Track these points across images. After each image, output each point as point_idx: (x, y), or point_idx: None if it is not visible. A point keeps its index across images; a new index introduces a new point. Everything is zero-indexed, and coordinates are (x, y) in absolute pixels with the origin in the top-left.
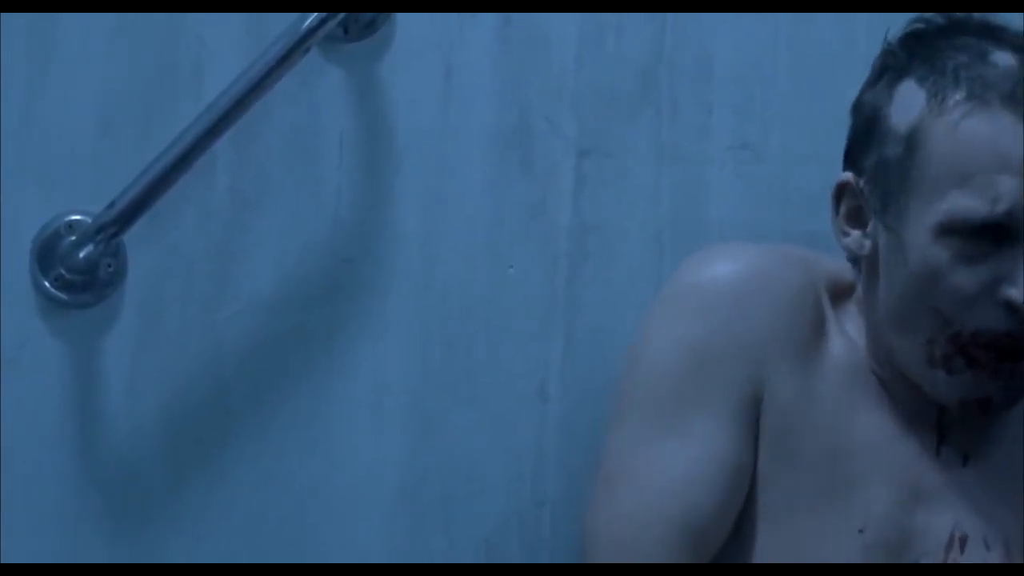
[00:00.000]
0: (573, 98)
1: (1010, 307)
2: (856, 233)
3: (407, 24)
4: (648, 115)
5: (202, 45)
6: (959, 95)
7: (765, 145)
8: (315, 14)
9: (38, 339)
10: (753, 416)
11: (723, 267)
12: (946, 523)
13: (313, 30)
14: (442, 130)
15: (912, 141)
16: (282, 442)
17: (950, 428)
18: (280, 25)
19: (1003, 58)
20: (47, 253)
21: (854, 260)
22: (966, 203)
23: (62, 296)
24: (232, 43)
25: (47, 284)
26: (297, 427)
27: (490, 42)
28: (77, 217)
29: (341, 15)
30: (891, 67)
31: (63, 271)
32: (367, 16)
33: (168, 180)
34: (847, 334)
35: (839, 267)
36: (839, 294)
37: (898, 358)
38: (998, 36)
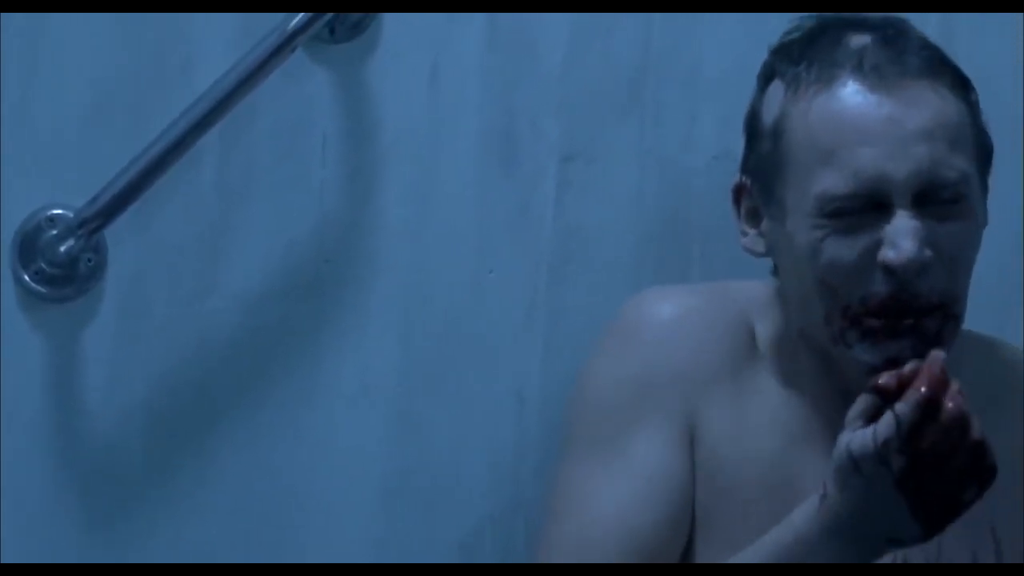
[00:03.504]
0: (559, 102)
1: (888, 269)
2: (753, 232)
3: (393, 26)
4: (633, 121)
5: (191, 41)
6: (811, 78)
7: None
8: (302, 13)
9: (18, 332)
10: (690, 444)
11: (658, 307)
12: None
13: (299, 30)
14: (427, 132)
15: (776, 132)
16: (264, 438)
17: None
18: (269, 22)
19: (857, 39)
20: (28, 246)
21: (774, 269)
22: (830, 181)
23: (42, 290)
24: (221, 40)
25: (27, 277)
26: (279, 423)
27: (477, 45)
28: (58, 211)
29: (328, 15)
30: (763, 74)
31: (43, 265)
32: (353, 17)
33: (151, 176)
34: (779, 365)
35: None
36: (771, 324)
37: (818, 346)
38: (860, 23)
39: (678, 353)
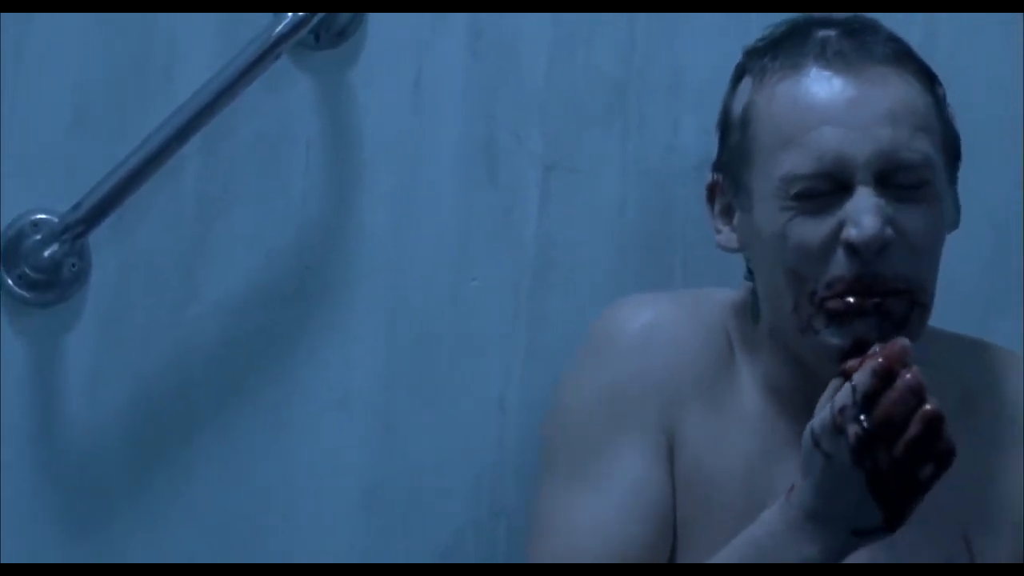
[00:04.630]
0: (541, 111)
1: (851, 249)
2: (726, 229)
3: (377, 33)
4: (615, 130)
5: (174, 47)
6: (776, 67)
7: None
8: (288, 18)
9: (0, 337)
10: (669, 456)
11: (632, 317)
12: (863, 559)
13: (284, 36)
14: (409, 140)
15: (744, 122)
16: (245, 444)
17: None
18: (252, 27)
19: (822, 32)
20: (11, 251)
21: (749, 272)
22: (795, 162)
23: (25, 294)
24: (204, 44)
25: (10, 282)
26: (260, 429)
27: (460, 54)
28: (42, 216)
29: (313, 21)
30: (735, 75)
31: (27, 269)
32: (338, 24)
33: (135, 182)
34: (756, 374)
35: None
36: (747, 329)
37: (789, 341)
38: (827, 21)
39: (654, 364)
